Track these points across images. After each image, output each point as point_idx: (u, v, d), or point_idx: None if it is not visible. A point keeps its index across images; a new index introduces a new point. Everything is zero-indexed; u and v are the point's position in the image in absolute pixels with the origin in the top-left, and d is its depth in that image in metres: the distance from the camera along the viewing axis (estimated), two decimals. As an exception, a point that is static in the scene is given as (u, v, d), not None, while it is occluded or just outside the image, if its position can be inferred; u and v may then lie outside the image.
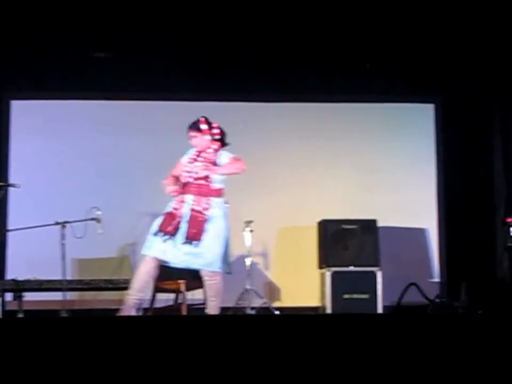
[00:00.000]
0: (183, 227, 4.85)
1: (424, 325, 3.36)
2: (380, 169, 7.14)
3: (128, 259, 6.87)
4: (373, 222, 6.49)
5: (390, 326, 3.34)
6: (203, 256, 4.86)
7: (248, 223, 6.35)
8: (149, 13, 6.32)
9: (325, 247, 6.44)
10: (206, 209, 4.88)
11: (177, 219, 4.85)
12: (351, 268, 6.37)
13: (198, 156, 5.01)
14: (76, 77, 6.84)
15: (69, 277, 5.79)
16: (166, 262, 4.91)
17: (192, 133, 5.06)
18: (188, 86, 6.95)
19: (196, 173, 4.92)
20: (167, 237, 4.82)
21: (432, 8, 6.23)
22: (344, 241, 6.43)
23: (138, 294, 4.93)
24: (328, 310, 6.24)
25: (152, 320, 3.93)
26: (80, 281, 6.04)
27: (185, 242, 4.82)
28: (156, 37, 6.61)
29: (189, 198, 4.90)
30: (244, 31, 6.62)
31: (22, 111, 6.99)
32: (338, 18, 6.41)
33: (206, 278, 4.99)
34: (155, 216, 6.79)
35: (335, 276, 6.32)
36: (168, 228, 4.83)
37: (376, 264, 6.36)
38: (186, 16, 6.39)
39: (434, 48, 6.78)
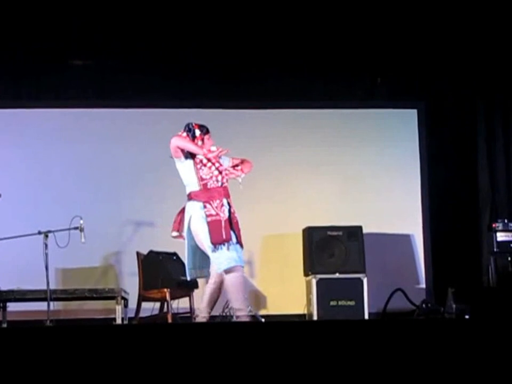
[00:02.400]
0: (232, 233, 4.88)
1: (411, 331, 3.35)
2: (364, 175, 7.14)
3: (112, 268, 6.82)
4: (358, 228, 6.49)
5: (377, 332, 3.33)
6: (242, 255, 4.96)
7: (233, 230, 6.31)
8: (126, 20, 6.30)
9: (311, 254, 6.42)
10: (235, 211, 4.98)
11: (224, 224, 4.82)
12: (337, 275, 6.36)
13: (214, 159, 4.95)
14: (54, 85, 6.82)
15: (53, 287, 5.73)
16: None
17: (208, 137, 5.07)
18: (167, 93, 6.93)
19: (227, 175, 4.96)
20: (226, 245, 4.80)
21: (414, 14, 6.26)
22: (329, 248, 6.42)
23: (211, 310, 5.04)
24: (315, 317, 6.22)
25: (139, 328, 3.90)
26: (64, 291, 5.99)
27: (236, 244, 4.88)
28: (133, 44, 6.59)
29: (226, 201, 4.93)
30: (224, 38, 6.62)
31: (1, 120, 6.92)
32: (320, 25, 6.42)
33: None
34: (138, 224, 6.81)
35: (321, 283, 6.30)
36: (223, 237, 4.80)
37: (362, 271, 6.35)
38: (165, 22, 6.38)
39: (417, 54, 6.81)
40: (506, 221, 6.62)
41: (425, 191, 7.19)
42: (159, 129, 6.99)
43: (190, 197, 4.93)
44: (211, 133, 5.12)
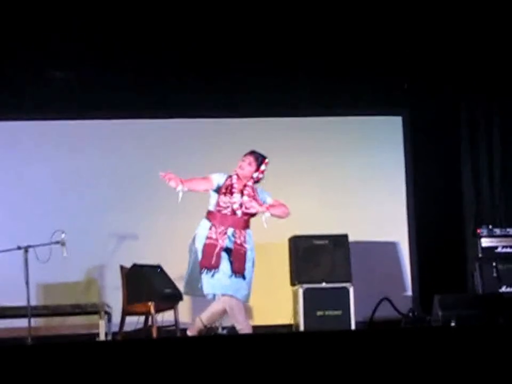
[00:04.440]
0: (226, 259, 4.89)
1: (398, 340, 3.33)
2: (349, 183, 7.12)
3: (95, 282, 6.75)
4: (344, 237, 6.45)
5: (364, 342, 3.30)
6: (245, 289, 4.95)
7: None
8: (108, 30, 6.25)
9: (297, 264, 6.39)
10: (245, 242, 4.96)
11: (217, 250, 4.86)
12: (323, 284, 6.32)
13: (242, 188, 4.98)
14: (34, 97, 6.73)
15: (34, 303, 5.65)
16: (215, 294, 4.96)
17: (250, 159, 5.04)
18: (151, 103, 6.87)
19: (247, 208, 4.93)
20: (212, 271, 4.85)
21: (397, 20, 6.27)
22: (315, 257, 6.39)
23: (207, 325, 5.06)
24: (301, 328, 6.18)
25: (122, 344, 3.84)
26: (46, 307, 5.92)
27: (231, 276, 4.88)
28: (115, 54, 6.53)
29: (231, 231, 4.93)
30: (209, 48, 6.59)
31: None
32: (305, 33, 6.41)
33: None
34: (121, 238, 6.74)
35: (307, 292, 6.26)
36: (212, 262, 4.84)
37: (348, 280, 6.31)
38: (148, 32, 6.34)
39: (401, 60, 6.81)
40: (490, 226, 6.63)
41: (411, 198, 7.19)
42: (142, 140, 6.95)
43: (206, 215, 5.02)
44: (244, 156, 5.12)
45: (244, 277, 4.91)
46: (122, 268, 6.20)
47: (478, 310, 5.95)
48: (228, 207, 4.93)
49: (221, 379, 3.09)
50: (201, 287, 4.89)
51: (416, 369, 3.15)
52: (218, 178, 5.00)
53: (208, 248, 4.85)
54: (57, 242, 5.45)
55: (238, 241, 4.92)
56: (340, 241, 6.43)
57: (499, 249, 6.53)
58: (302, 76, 6.86)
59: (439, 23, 6.34)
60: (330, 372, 3.14)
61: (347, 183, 7.12)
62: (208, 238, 4.88)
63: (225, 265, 4.88)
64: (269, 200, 5.06)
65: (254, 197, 4.96)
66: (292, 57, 6.67)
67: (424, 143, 7.14)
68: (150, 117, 6.98)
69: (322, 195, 7.10)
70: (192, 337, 4.76)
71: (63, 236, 5.44)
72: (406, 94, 7.03)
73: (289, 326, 6.47)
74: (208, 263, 4.84)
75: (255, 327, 6.46)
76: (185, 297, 6.45)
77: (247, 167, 5.01)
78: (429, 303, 6.17)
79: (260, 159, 5.04)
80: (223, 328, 6.11)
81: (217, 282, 4.85)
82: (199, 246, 4.92)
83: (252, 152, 5.08)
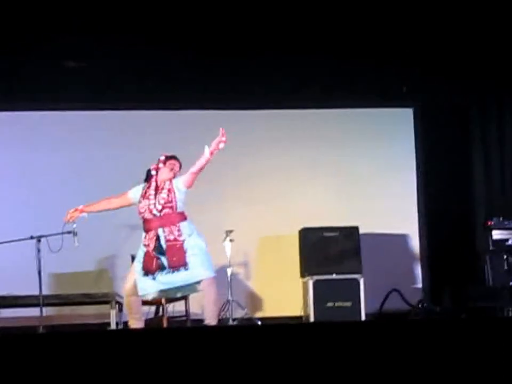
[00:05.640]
0: (164, 260, 4.94)
1: (407, 332, 3.32)
2: (360, 175, 7.11)
3: (106, 272, 6.77)
4: (354, 229, 6.46)
5: (373, 334, 3.29)
6: (191, 273, 4.95)
7: (229, 232, 6.28)
8: (121, 21, 6.25)
9: (307, 256, 6.39)
10: (179, 235, 4.98)
11: (154, 256, 4.93)
12: (334, 276, 6.33)
13: (156, 189, 5.05)
14: (46, 87, 6.72)
15: (46, 292, 5.67)
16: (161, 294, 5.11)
17: (173, 163, 5.10)
18: (164, 94, 6.86)
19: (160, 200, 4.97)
20: (155, 274, 4.94)
21: (409, 13, 6.24)
22: (325, 249, 6.39)
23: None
24: (311, 319, 6.19)
25: (134, 333, 3.86)
26: (57, 296, 5.93)
27: (171, 272, 4.92)
28: (128, 45, 6.53)
29: (160, 231, 4.98)
30: (218, 38, 6.57)
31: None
32: (316, 24, 6.39)
33: (201, 288, 5.03)
34: (133, 228, 6.75)
35: (317, 284, 6.27)
36: (153, 267, 4.93)
37: (358, 271, 6.32)
38: (161, 22, 6.33)
39: (412, 53, 6.78)
40: (501, 219, 6.60)
41: (421, 190, 7.17)
42: (153, 130, 6.95)
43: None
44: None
45: (185, 268, 4.91)
46: (133, 257, 6.22)
47: (488, 302, 5.94)
48: (146, 211, 5.00)
49: (230, 370, 3.10)
50: (141, 288, 4.97)
51: (425, 361, 3.15)
52: (135, 192, 5.12)
53: (147, 255, 4.95)
54: (69, 232, 5.46)
55: (171, 238, 4.95)
56: (350, 233, 6.43)
57: (510, 242, 6.51)
58: (314, 68, 6.84)
59: (449, 15, 6.31)
60: (339, 363, 3.14)
61: (358, 175, 7.11)
62: (145, 246, 4.99)
63: (163, 266, 4.93)
64: (181, 182, 5.04)
65: (169, 191, 5.01)
66: (303, 50, 6.65)
67: (435, 135, 7.12)
68: (162, 108, 6.99)
69: (333, 187, 7.09)
70: (202, 327, 4.76)
71: (74, 225, 5.46)
72: (416, 86, 7.01)
73: (299, 317, 6.48)
74: (149, 267, 4.93)
75: (265, 318, 6.48)
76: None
77: (171, 171, 5.08)
78: (438, 295, 6.16)
79: (179, 163, 5.12)
80: (234, 319, 6.13)
81: (161, 285, 4.94)
82: (141, 254, 5.01)
83: (174, 157, 5.14)
